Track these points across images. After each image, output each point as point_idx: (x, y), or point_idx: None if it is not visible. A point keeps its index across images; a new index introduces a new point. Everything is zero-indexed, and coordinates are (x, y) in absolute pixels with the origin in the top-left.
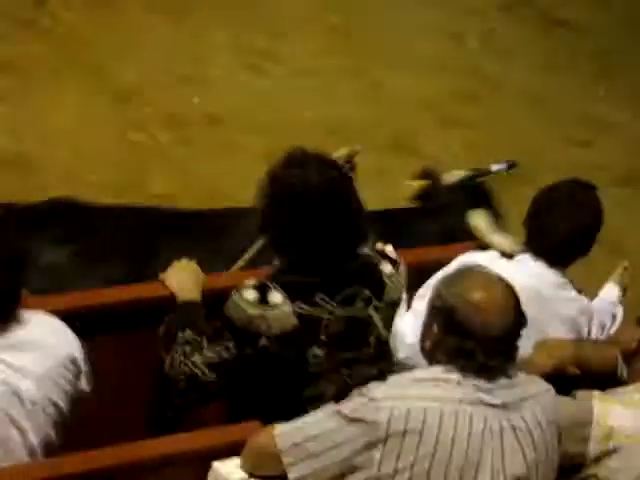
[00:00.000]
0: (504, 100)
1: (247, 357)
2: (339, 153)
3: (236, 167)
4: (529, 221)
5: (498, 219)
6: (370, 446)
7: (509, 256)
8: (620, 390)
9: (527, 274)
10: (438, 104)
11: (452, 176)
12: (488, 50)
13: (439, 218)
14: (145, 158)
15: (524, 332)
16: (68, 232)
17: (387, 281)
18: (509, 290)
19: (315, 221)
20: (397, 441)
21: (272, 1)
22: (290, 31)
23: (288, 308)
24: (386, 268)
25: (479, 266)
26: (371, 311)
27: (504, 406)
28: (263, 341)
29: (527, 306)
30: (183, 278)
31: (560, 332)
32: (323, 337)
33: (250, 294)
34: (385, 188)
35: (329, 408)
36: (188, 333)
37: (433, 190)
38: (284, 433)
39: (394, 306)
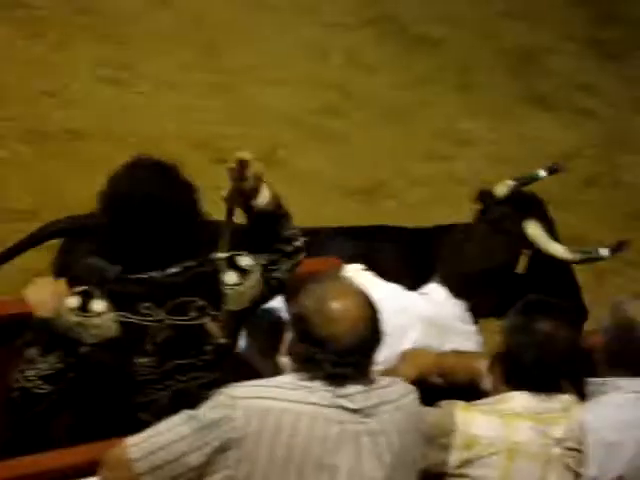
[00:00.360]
0: (369, 115)
1: (72, 365)
2: (229, 166)
3: (98, 182)
4: (444, 248)
5: (552, 227)
6: (226, 446)
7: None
8: (484, 401)
9: (429, 302)
10: (305, 119)
11: (501, 189)
12: (353, 66)
13: (492, 232)
14: (4, 173)
15: None
16: None
17: (228, 291)
18: (365, 303)
19: (140, 227)
20: (253, 441)
21: (137, 16)
22: (156, 46)
23: (110, 316)
24: (230, 278)
25: (341, 277)
26: (206, 320)
27: (361, 411)
28: (84, 349)
29: (424, 334)
30: (42, 295)
31: None
32: (149, 346)
33: (72, 301)
34: None
35: (184, 414)
36: (32, 350)
37: (487, 207)
38: (137, 443)
39: (239, 315)
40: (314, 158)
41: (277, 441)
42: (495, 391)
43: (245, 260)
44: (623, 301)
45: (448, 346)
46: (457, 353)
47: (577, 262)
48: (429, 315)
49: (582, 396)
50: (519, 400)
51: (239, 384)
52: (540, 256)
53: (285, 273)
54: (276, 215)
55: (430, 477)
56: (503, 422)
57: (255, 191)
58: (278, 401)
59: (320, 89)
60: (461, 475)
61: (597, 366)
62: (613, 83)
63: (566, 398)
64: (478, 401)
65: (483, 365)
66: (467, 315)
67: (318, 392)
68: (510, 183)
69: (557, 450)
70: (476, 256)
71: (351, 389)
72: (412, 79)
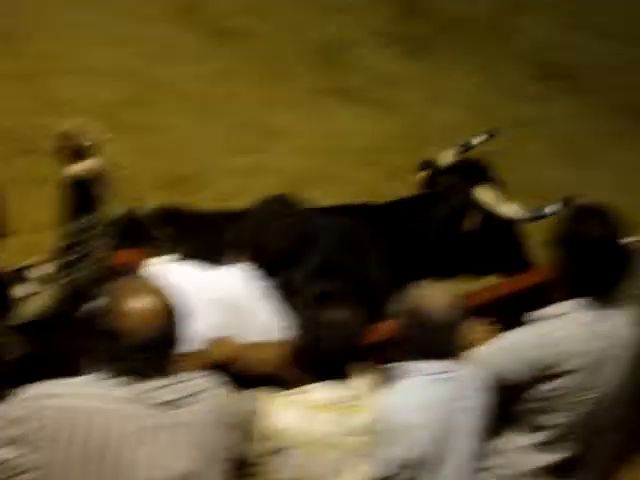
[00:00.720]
0: (176, 107)
1: None
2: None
3: None
4: (244, 232)
5: (502, 188)
6: (24, 446)
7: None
8: (287, 392)
9: (230, 283)
10: (111, 110)
11: (444, 158)
12: (159, 57)
13: (444, 201)
14: None
15: None
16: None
17: (19, 302)
18: (161, 299)
19: None
20: (50, 440)
21: None
22: None
23: None
24: (18, 290)
25: (140, 275)
26: None
27: (162, 405)
28: None
29: (224, 313)
30: None
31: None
32: None
33: None
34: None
35: None
36: None
37: (433, 176)
38: None
39: (35, 325)
40: (121, 150)
41: (75, 438)
42: (295, 381)
43: (37, 271)
44: (413, 289)
45: (250, 325)
46: (261, 343)
47: (527, 220)
48: (230, 294)
49: (375, 380)
50: (318, 391)
51: (38, 383)
52: (491, 218)
53: (86, 273)
54: (91, 185)
55: (232, 467)
56: (304, 414)
57: (80, 155)
58: (75, 399)
59: (126, 80)
60: (261, 465)
61: (391, 351)
62: (416, 77)
63: (359, 383)
64: (281, 392)
65: (285, 355)
66: (271, 294)
67: (117, 389)
68: (453, 151)
69: (352, 439)
70: (270, 239)
71: (150, 384)
72: (219, 71)
